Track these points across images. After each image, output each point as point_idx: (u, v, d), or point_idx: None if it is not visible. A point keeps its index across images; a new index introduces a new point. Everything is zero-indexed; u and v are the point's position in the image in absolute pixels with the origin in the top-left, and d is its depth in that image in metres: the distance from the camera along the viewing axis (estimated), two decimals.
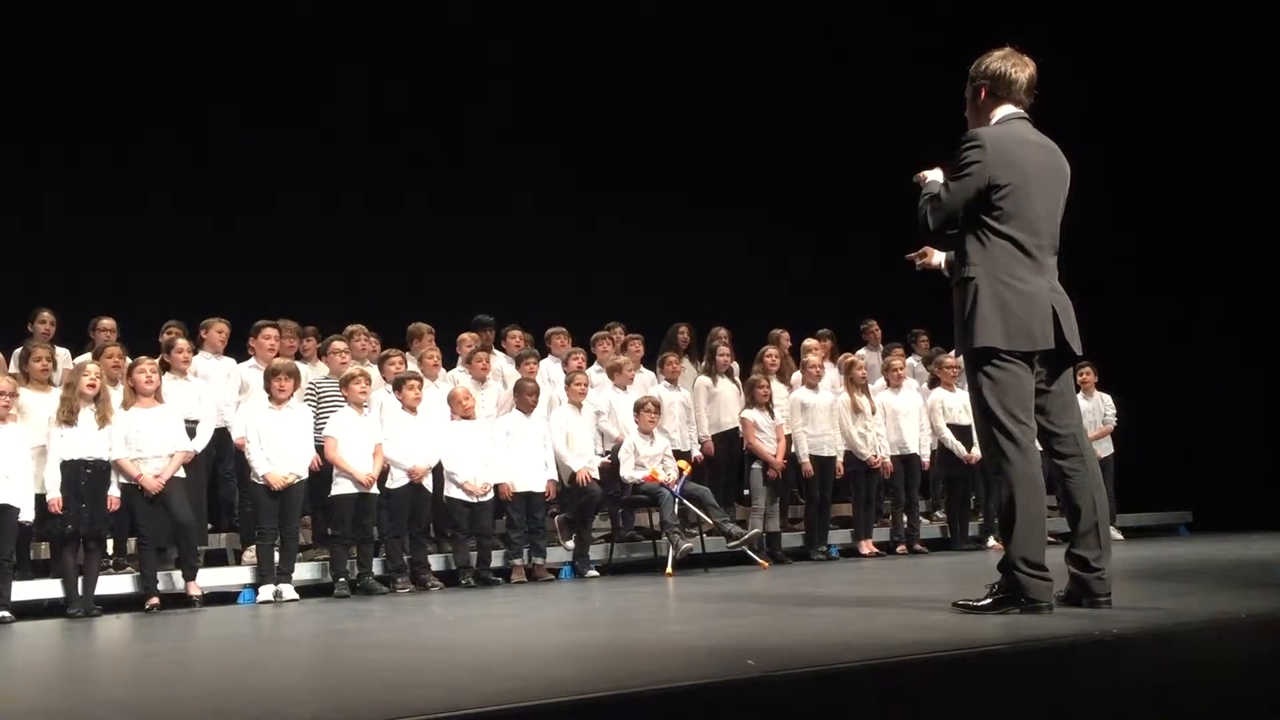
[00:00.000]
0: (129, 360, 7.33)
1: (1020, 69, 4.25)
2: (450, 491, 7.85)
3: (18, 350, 7.80)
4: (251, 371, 7.88)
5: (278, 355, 7.92)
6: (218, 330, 8.12)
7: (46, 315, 8.07)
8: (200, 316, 8.22)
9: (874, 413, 9.13)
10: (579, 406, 8.47)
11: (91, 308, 8.31)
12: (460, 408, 7.95)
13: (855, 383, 9.12)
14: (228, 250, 9.92)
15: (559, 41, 11.08)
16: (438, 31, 10.78)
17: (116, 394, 7.14)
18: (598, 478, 8.32)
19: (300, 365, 8.33)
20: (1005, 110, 4.26)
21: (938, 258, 4.47)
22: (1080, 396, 9.70)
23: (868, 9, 11.53)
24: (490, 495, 7.92)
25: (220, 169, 9.98)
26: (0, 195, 9.10)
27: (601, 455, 8.53)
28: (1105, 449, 9.86)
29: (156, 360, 7.37)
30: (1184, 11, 10.60)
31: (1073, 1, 10.76)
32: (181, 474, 7.07)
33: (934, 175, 4.30)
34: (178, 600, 6.94)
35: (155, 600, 6.79)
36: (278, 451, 7.25)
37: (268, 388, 7.34)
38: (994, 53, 4.30)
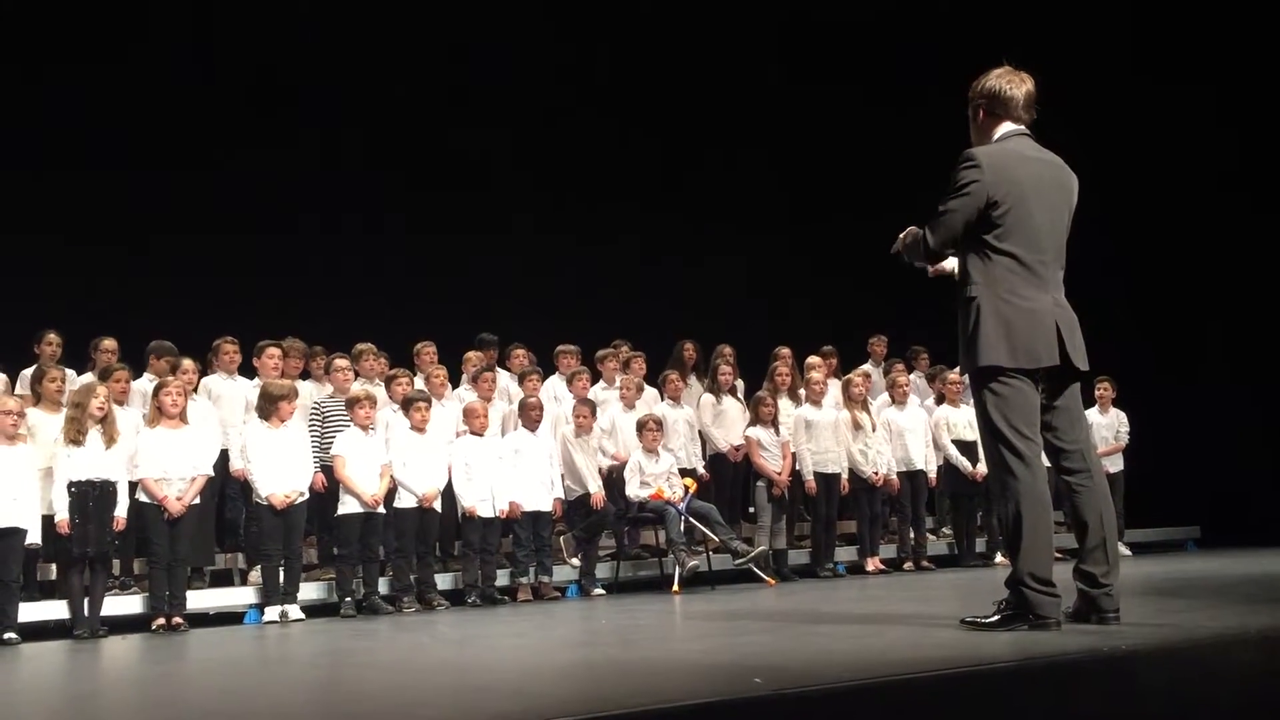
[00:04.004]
0: (149, 380, 7.33)
1: (1017, 85, 4.25)
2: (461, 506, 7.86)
3: (25, 371, 7.83)
4: (256, 392, 7.88)
5: (282, 375, 7.93)
6: (225, 351, 8.11)
7: (53, 337, 8.07)
8: (201, 337, 8.22)
9: (874, 429, 9.12)
10: (584, 434, 8.47)
11: (88, 328, 8.30)
12: (476, 423, 7.96)
13: (854, 400, 9.13)
14: (228, 272, 9.94)
15: (559, 61, 11.12)
16: (439, 51, 10.83)
17: (121, 414, 7.15)
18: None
19: (308, 384, 8.36)
20: (1005, 128, 4.26)
21: (951, 263, 4.44)
22: (1096, 411, 9.87)
23: (871, 34, 11.57)
24: (502, 514, 7.92)
25: (220, 192, 10.00)
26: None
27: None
28: (1116, 465, 9.86)
29: (181, 383, 7.32)
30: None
31: (1069, 20, 10.79)
32: (197, 499, 7.08)
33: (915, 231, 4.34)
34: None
35: (162, 621, 6.78)
36: (279, 471, 7.24)
37: (272, 410, 7.32)
38: (991, 71, 4.30)
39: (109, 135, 9.62)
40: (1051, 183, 4.22)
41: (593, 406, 8.69)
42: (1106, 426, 10.05)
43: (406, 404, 7.79)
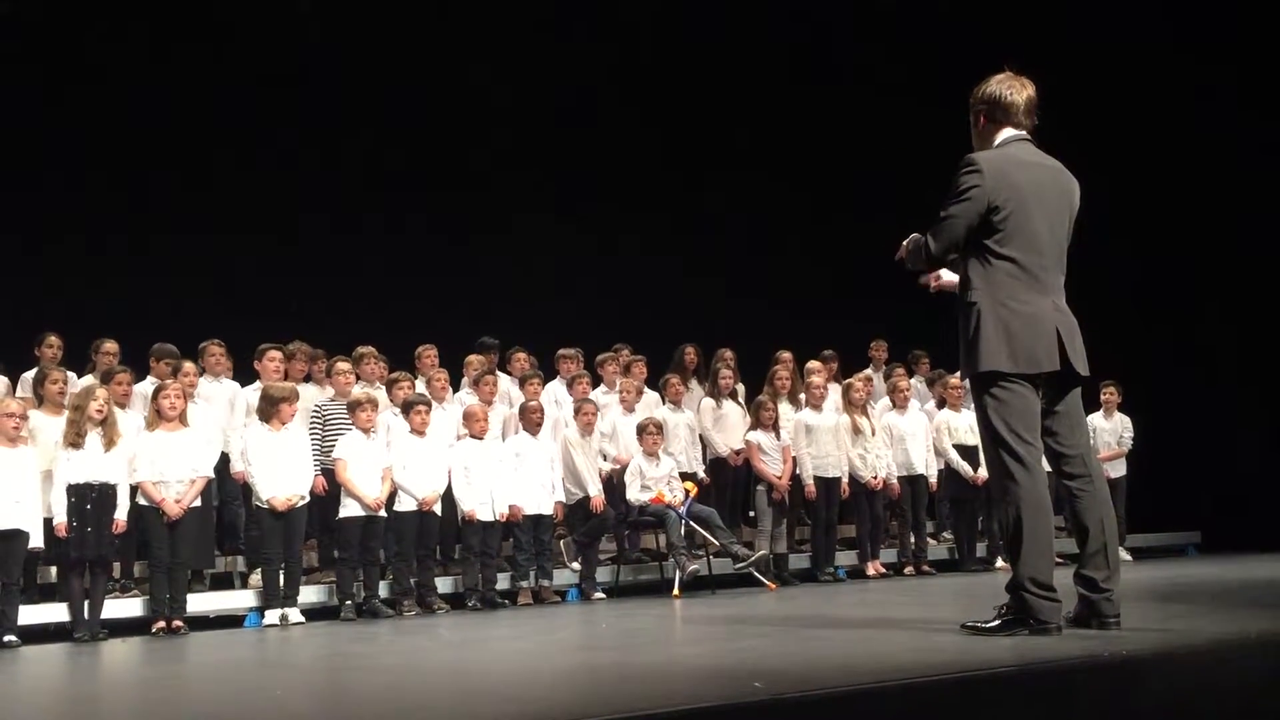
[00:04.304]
0: (151, 383, 7.33)
1: (1018, 91, 4.26)
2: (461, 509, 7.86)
3: (26, 374, 7.83)
4: (257, 395, 7.88)
5: (286, 377, 7.93)
6: (211, 353, 8.09)
7: (54, 339, 8.06)
8: (202, 340, 8.22)
9: (873, 434, 9.12)
10: (587, 434, 8.47)
11: (88, 331, 8.30)
12: (476, 426, 7.96)
13: (854, 404, 9.12)
14: (229, 275, 9.95)
15: (563, 62, 11.13)
16: (443, 52, 10.85)
17: (122, 417, 7.15)
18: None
19: (310, 387, 8.36)
20: (1006, 134, 4.27)
21: (952, 278, 4.45)
22: (1100, 415, 9.89)
23: (876, 40, 11.58)
24: (502, 518, 7.92)
25: (221, 194, 10.02)
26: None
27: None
28: (1118, 470, 9.86)
29: (180, 385, 7.31)
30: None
31: (1070, 20, 10.79)
32: (198, 502, 7.07)
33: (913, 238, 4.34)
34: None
35: (162, 624, 6.77)
36: (279, 474, 7.22)
37: (273, 413, 7.31)
38: (992, 77, 4.31)
39: (109, 138, 9.63)
40: (1052, 188, 4.22)
41: (595, 406, 8.69)
42: (1110, 431, 10.06)
43: (406, 407, 7.79)
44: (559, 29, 11.22)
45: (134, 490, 6.92)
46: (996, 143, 4.27)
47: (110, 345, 8.12)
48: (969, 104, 4.35)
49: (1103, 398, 10.00)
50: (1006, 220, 4.10)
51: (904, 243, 4.37)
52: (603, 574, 8.35)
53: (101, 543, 6.68)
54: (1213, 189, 10.71)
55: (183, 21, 10.03)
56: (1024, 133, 4.27)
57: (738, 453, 9.04)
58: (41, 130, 9.45)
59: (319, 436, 7.78)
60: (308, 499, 7.36)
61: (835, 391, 9.45)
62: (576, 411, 8.57)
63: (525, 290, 10.83)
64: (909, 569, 9.14)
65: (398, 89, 10.65)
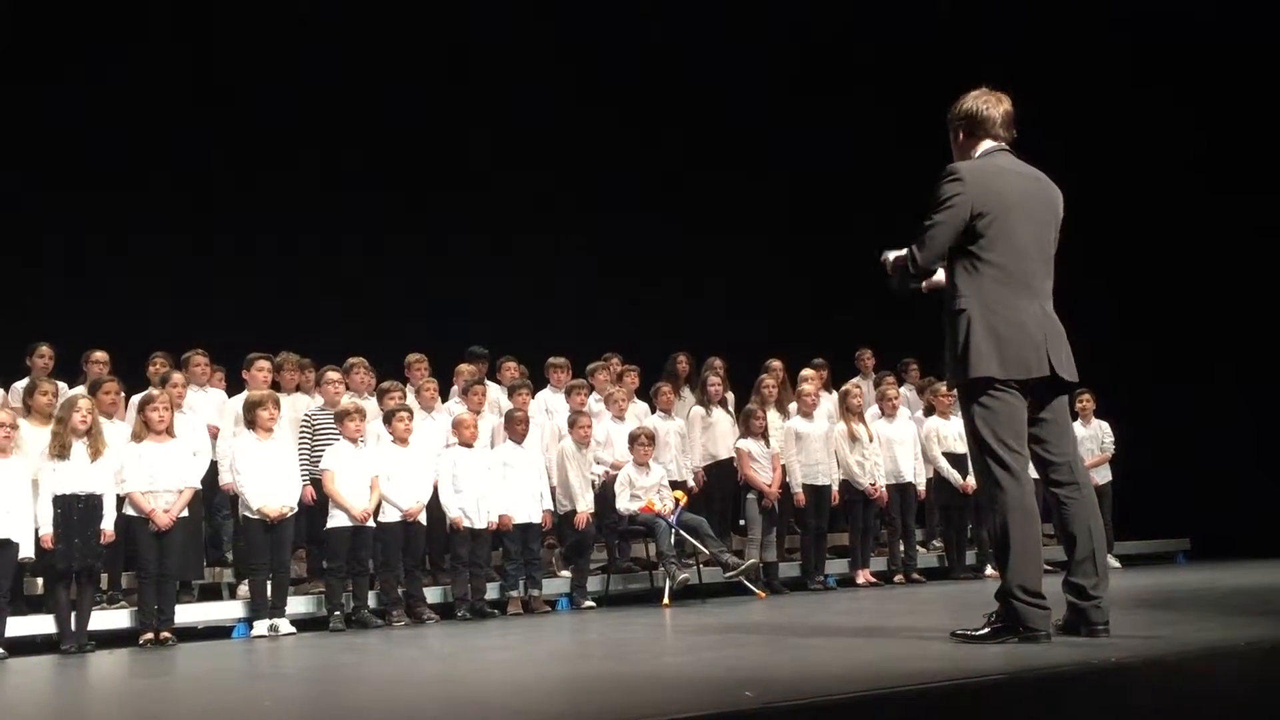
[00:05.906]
0: (139, 394, 7.31)
1: (994, 105, 4.30)
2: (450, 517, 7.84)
3: (17, 384, 7.80)
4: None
5: (276, 388, 7.92)
6: (196, 363, 8.08)
7: (45, 350, 8.03)
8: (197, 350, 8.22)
9: (871, 440, 9.13)
10: (582, 447, 8.46)
11: (81, 341, 8.29)
12: (466, 433, 7.94)
13: (851, 411, 9.13)
14: (224, 286, 9.94)
15: (556, 73, 11.15)
16: (438, 65, 10.87)
17: (111, 427, 7.12)
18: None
19: (301, 396, 8.34)
20: (986, 145, 4.31)
21: (940, 276, 4.44)
22: (1079, 424, 9.89)
23: (864, 46, 11.63)
24: (492, 526, 7.90)
25: (217, 207, 10.03)
26: None
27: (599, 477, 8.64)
28: (1103, 476, 9.88)
29: (168, 397, 7.28)
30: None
31: (1059, 32, 10.86)
32: (186, 512, 7.05)
33: (897, 252, 4.33)
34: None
35: (150, 635, 6.74)
36: (268, 484, 7.19)
37: (253, 419, 7.29)
38: (968, 93, 4.36)
39: (108, 145, 9.63)
40: (1035, 196, 4.25)
41: (589, 418, 8.67)
42: (1090, 438, 10.07)
43: (389, 416, 7.78)
44: (559, 32, 11.25)
45: (121, 500, 6.89)
46: (976, 155, 4.30)
47: (100, 355, 8.09)
48: (947, 120, 4.39)
49: (1078, 406, 9.98)
50: (990, 226, 4.13)
51: (890, 257, 4.34)
52: (593, 583, 8.35)
53: (88, 554, 6.63)
54: (1196, 183, 10.74)
55: (181, 22, 10.04)
56: (1003, 144, 4.30)
57: (705, 469, 9.10)
58: (41, 130, 9.44)
59: (308, 446, 7.76)
60: (296, 509, 7.34)
61: (825, 399, 9.46)
62: (572, 425, 8.54)
63: (517, 298, 10.84)
64: (899, 577, 9.15)
65: (392, 96, 10.67)
